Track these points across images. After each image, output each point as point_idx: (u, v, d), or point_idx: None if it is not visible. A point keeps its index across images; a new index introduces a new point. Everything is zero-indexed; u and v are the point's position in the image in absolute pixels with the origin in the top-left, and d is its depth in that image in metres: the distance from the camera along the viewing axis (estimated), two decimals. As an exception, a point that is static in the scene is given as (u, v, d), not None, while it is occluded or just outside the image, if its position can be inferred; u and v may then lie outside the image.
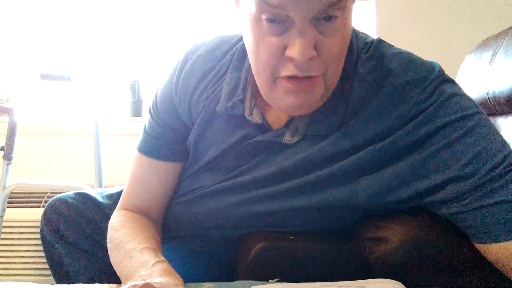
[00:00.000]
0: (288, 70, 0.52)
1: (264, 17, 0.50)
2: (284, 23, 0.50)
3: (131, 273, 0.55)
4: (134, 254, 0.58)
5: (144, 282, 0.47)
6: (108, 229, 0.68)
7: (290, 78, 0.53)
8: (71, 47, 1.82)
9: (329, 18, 0.50)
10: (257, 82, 0.57)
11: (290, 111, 0.57)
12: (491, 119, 0.91)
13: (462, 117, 0.53)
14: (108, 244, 0.66)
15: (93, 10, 1.82)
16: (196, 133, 0.66)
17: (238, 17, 0.58)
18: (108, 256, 0.70)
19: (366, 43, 0.60)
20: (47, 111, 1.79)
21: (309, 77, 0.52)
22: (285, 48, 0.51)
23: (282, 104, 0.55)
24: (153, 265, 0.54)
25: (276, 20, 0.50)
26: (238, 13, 0.57)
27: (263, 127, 0.61)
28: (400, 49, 0.60)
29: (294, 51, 0.50)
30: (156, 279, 0.51)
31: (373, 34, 0.63)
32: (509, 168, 0.52)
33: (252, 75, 0.60)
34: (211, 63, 0.65)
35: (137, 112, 1.72)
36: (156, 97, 0.70)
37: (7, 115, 1.36)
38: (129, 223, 0.66)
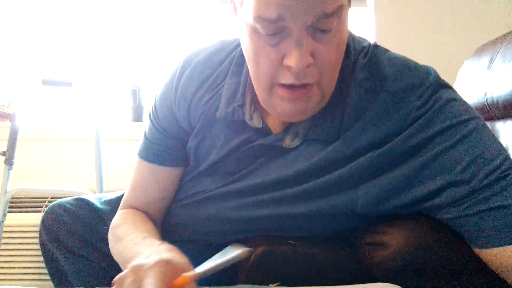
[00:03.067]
0: (286, 78, 0.53)
1: (261, 30, 0.51)
2: (281, 33, 0.51)
3: (135, 256, 0.54)
4: (137, 241, 0.58)
5: (156, 259, 0.45)
6: (110, 229, 0.69)
7: (287, 86, 0.54)
8: (73, 53, 1.83)
9: (324, 31, 0.51)
10: (255, 88, 0.58)
11: (287, 117, 0.58)
12: (490, 123, 0.92)
13: (459, 122, 0.54)
14: (110, 242, 0.67)
15: (94, 16, 1.83)
16: (196, 138, 0.66)
17: (236, 23, 0.58)
18: (105, 261, 0.71)
19: (364, 47, 0.61)
20: (48, 116, 1.80)
21: (304, 86, 0.53)
22: (283, 57, 0.52)
23: (279, 110, 0.56)
24: (158, 245, 0.54)
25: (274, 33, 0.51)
26: (236, 20, 0.58)
27: (264, 131, 0.62)
28: (395, 54, 0.61)
29: (291, 60, 0.51)
30: (164, 255, 0.49)
31: (372, 40, 0.64)
32: (506, 173, 0.52)
33: (251, 81, 0.61)
34: (210, 69, 0.66)
35: (138, 118, 1.72)
36: (155, 103, 0.70)
37: (8, 120, 1.36)
38: (131, 219, 0.67)
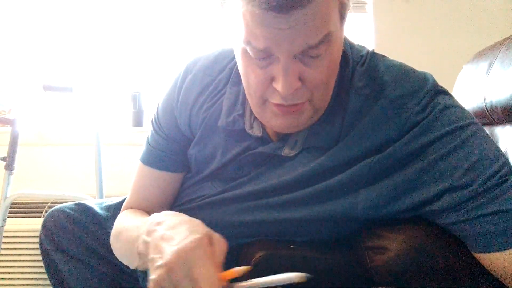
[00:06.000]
0: (275, 98, 0.54)
1: (251, 53, 0.52)
2: (270, 58, 0.52)
3: (139, 229, 0.55)
4: (142, 221, 0.59)
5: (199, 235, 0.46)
6: (111, 235, 0.69)
7: (277, 104, 0.54)
8: (73, 59, 1.83)
9: (313, 57, 0.51)
10: (249, 101, 0.59)
11: (280, 130, 0.59)
12: (489, 128, 0.92)
13: (457, 128, 0.54)
14: (112, 244, 0.68)
15: (95, 22, 1.84)
16: (198, 145, 0.67)
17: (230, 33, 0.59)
18: (105, 266, 0.71)
19: (362, 55, 0.61)
20: (49, 121, 1.80)
21: (295, 104, 0.54)
22: (272, 79, 0.53)
23: (272, 123, 0.58)
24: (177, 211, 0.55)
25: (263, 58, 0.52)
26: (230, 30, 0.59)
27: (264, 140, 0.62)
28: (393, 60, 0.61)
29: (278, 86, 0.52)
30: (202, 229, 0.50)
31: (371, 46, 0.64)
32: (505, 177, 0.52)
33: None
34: (211, 77, 0.67)
35: (138, 123, 1.73)
36: (157, 109, 0.72)
37: (9, 125, 1.36)
38: (133, 213, 0.69)
